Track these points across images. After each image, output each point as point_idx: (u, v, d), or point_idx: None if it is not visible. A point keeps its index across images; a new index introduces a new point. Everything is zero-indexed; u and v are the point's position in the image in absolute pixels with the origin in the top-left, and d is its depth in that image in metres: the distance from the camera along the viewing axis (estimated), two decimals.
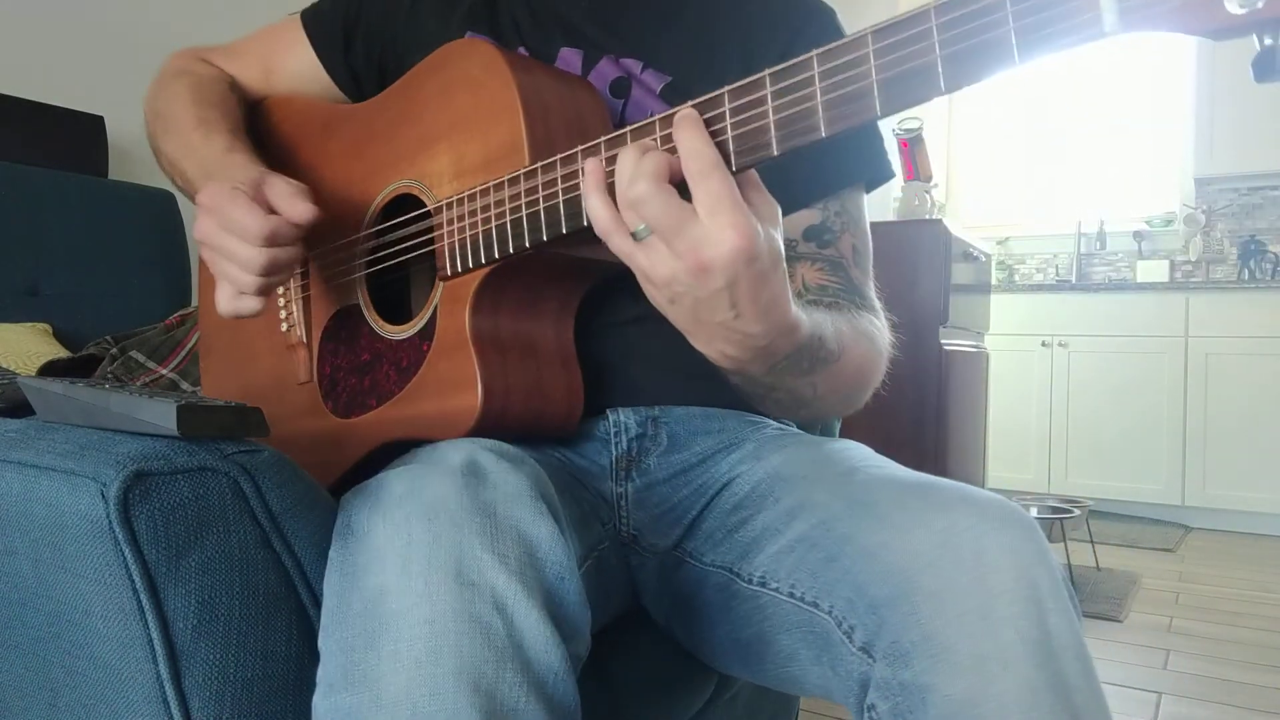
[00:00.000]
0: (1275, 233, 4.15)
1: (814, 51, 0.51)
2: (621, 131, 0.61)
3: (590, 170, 0.59)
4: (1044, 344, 4.02)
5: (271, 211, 0.73)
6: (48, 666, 0.60)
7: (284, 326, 0.90)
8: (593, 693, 0.58)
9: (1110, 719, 0.56)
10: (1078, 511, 2.75)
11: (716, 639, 0.74)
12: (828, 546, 0.63)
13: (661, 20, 0.86)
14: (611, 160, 0.59)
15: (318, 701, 0.52)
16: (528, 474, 0.60)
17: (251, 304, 0.75)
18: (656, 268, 0.57)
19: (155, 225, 1.45)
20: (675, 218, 0.55)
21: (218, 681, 0.54)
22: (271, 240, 0.71)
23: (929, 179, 3.12)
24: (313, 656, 0.55)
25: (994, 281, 3.85)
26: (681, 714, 0.85)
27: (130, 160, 1.59)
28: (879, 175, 0.86)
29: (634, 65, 0.84)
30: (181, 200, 1.48)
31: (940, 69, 0.47)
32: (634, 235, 0.57)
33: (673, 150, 0.56)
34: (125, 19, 1.72)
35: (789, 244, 0.81)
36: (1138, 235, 4.41)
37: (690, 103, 0.57)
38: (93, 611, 0.55)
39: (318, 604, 0.58)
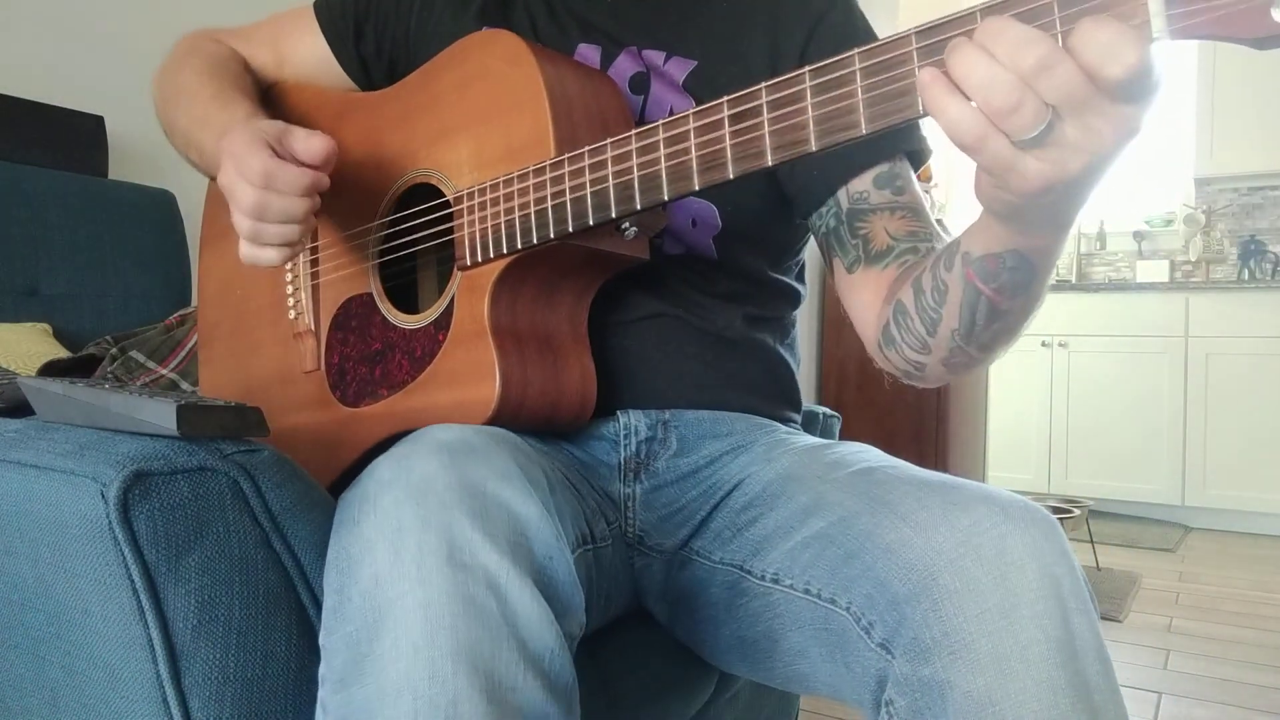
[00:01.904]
0: (1275, 233, 4.15)
1: (855, 50, 0.51)
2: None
3: (933, 78, 0.47)
4: (1044, 344, 4.03)
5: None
6: (47, 667, 0.60)
7: (291, 314, 0.89)
8: (593, 692, 0.58)
9: None
10: (1078, 511, 2.75)
11: (722, 637, 0.74)
12: (846, 543, 0.63)
13: (685, 9, 0.87)
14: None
15: (327, 696, 0.52)
16: (516, 454, 0.60)
17: (266, 255, 0.72)
18: (1067, 159, 0.49)
19: (155, 225, 1.45)
20: (1089, 81, 0.45)
21: (218, 681, 0.54)
22: (266, 183, 0.69)
23: (929, 180, 3.13)
24: (313, 656, 0.55)
25: None
26: (681, 714, 0.85)
27: (130, 160, 1.59)
28: (924, 150, 0.85)
29: (656, 56, 0.84)
30: (182, 200, 1.47)
31: None
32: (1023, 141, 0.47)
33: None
34: (125, 19, 1.72)
35: (860, 196, 0.80)
36: (1138, 235, 4.41)
37: (727, 98, 0.57)
38: (92, 611, 0.55)
39: (318, 603, 0.58)
